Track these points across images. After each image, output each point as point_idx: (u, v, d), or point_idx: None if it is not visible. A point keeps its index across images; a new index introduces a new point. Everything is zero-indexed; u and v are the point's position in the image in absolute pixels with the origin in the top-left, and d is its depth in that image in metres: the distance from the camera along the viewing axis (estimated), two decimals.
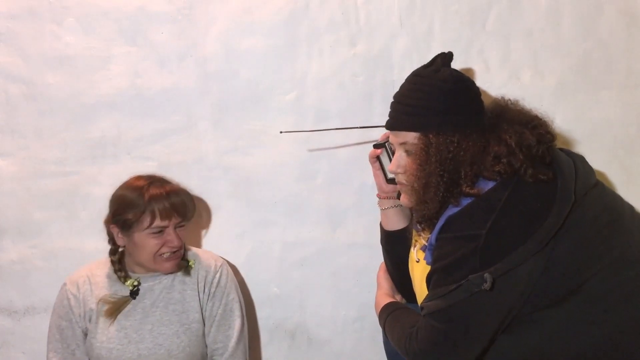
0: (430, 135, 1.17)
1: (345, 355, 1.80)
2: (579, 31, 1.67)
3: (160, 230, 1.41)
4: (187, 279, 1.50)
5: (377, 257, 1.69)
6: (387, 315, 1.37)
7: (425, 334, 1.15)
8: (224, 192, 1.70)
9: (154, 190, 1.40)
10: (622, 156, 1.72)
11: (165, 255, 1.43)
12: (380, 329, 1.74)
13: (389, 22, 1.65)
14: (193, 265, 1.51)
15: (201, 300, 1.50)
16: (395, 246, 1.48)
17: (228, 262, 1.62)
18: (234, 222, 1.72)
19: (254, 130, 1.68)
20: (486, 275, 1.04)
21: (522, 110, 1.24)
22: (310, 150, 1.69)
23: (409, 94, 1.23)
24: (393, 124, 1.26)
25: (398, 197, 1.41)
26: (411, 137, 1.21)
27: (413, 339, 1.18)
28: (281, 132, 1.56)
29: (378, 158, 1.46)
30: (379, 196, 1.49)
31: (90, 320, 1.45)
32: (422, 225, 1.23)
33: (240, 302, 1.55)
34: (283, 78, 1.66)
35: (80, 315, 1.45)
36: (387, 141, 1.41)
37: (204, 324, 1.50)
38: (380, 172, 1.47)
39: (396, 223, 1.47)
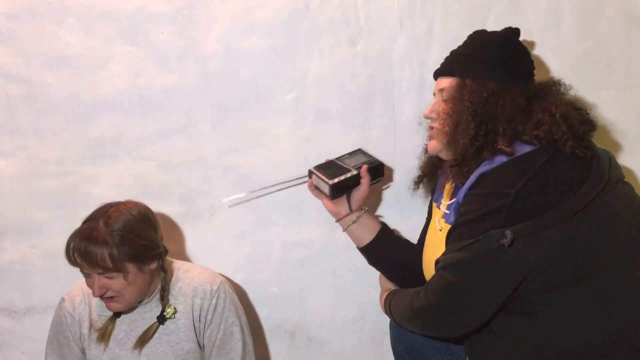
0: (467, 80, 1.22)
1: (345, 355, 1.80)
2: (579, 31, 1.67)
3: (86, 274, 1.29)
4: (180, 307, 1.41)
5: None
6: (391, 298, 1.37)
7: (435, 287, 1.14)
8: (224, 192, 1.70)
9: (77, 228, 1.27)
10: (622, 156, 1.72)
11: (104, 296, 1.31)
12: (380, 329, 1.75)
13: (389, 22, 1.65)
14: (172, 316, 1.40)
15: (197, 328, 1.43)
16: (378, 258, 1.51)
17: (227, 277, 1.60)
18: (234, 222, 1.72)
19: (254, 130, 1.68)
20: (507, 231, 1.03)
21: (572, 95, 1.28)
22: (311, 152, 1.70)
23: (461, 46, 1.32)
24: (437, 71, 1.34)
25: (350, 210, 1.50)
26: (449, 82, 1.26)
27: (421, 295, 1.18)
28: (221, 201, 1.65)
29: (315, 187, 1.53)
30: (337, 221, 1.53)
31: (84, 342, 1.42)
32: (454, 170, 1.21)
33: (241, 324, 1.47)
34: (283, 78, 1.66)
35: (76, 334, 1.42)
36: (309, 169, 1.54)
37: (203, 349, 1.46)
38: (323, 197, 1.52)
39: (363, 237, 1.50)
